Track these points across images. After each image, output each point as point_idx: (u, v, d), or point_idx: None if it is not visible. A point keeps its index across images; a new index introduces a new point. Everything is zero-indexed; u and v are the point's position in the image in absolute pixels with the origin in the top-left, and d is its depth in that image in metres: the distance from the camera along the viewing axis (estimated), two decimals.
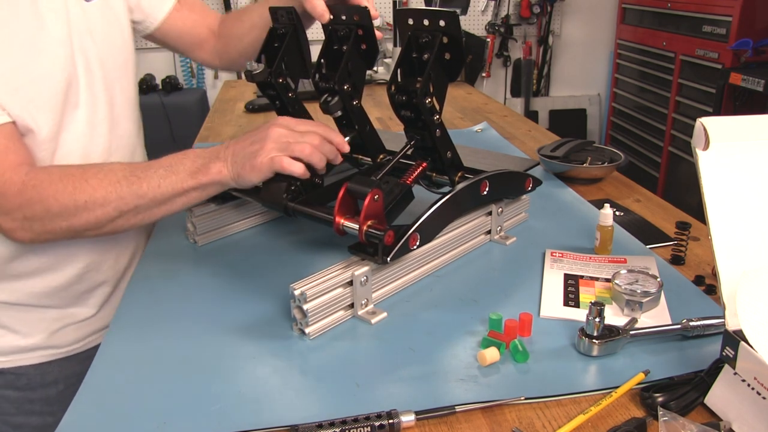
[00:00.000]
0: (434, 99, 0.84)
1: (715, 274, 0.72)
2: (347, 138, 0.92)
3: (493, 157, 1.36)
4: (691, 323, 0.72)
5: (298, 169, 0.78)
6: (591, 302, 0.70)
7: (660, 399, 0.61)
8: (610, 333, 0.70)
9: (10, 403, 0.99)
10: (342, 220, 0.79)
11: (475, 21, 3.83)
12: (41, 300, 0.96)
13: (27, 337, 0.97)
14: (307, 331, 0.74)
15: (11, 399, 0.99)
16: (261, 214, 1.07)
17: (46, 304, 0.97)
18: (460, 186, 0.87)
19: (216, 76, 3.77)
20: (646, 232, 1.02)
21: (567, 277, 0.87)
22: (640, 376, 0.66)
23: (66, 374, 1.02)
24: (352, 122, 0.95)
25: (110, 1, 0.98)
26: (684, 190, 3.11)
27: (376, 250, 0.76)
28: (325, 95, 0.91)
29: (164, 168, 0.80)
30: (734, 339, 0.57)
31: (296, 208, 0.85)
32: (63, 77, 0.87)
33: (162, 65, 3.61)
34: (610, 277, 0.85)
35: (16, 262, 0.92)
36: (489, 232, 0.99)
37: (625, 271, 0.83)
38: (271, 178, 0.83)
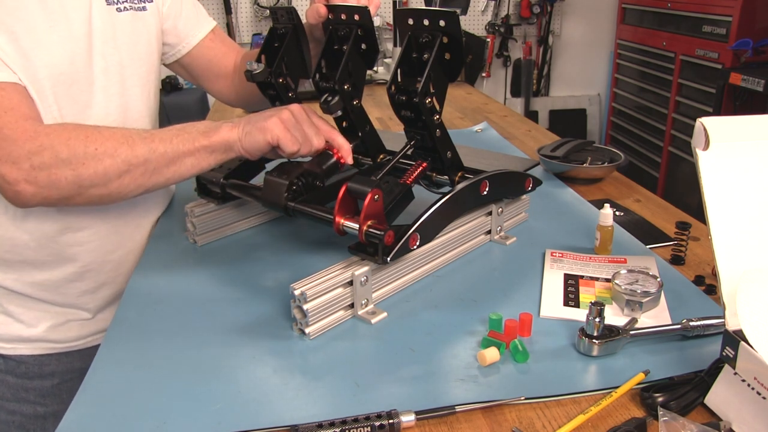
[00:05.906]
0: (434, 99, 0.84)
1: (715, 274, 0.72)
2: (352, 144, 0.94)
3: (493, 157, 1.36)
4: (691, 323, 0.72)
5: (292, 146, 0.82)
6: (591, 302, 0.70)
7: (660, 399, 0.61)
8: (610, 333, 0.70)
9: (8, 388, 1.02)
10: (342, 220, 0.79)
11: (475, 21, 3.83)
12: (43, 294, 0.98)
13: (30, 327, 1.00)
14: (307, 331, 0.74)
15: (9, 384, 1.02)
16: (261, 214, 1.07)
17: (48, 299, 0.99)
18: (460, 186, 0.87)
19: None
20: (646, 232, 1.02)
21: (567, 277, 0.87)
22: (640, 376, 0.66)
23: (63, 369, 1.04)
24: (353, 123, 0.95)
25: (144, 15, 1.01)
26: (684, 190, 3.11)
27: (376, 250, 0.76)
28: (326, 95, 0.91)
29: (176, 129, 0.84)
30: (734, 339, 0.57)
31: (296, 208, 0.85)
32: (67, 71, 0.89)
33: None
34: (610, 277, 0.85)
35: (20, 247, 0.94)
36: (489, 232, 0.99)
37: (625, 271, 0.83)
38: (274, 176, 0.84)
